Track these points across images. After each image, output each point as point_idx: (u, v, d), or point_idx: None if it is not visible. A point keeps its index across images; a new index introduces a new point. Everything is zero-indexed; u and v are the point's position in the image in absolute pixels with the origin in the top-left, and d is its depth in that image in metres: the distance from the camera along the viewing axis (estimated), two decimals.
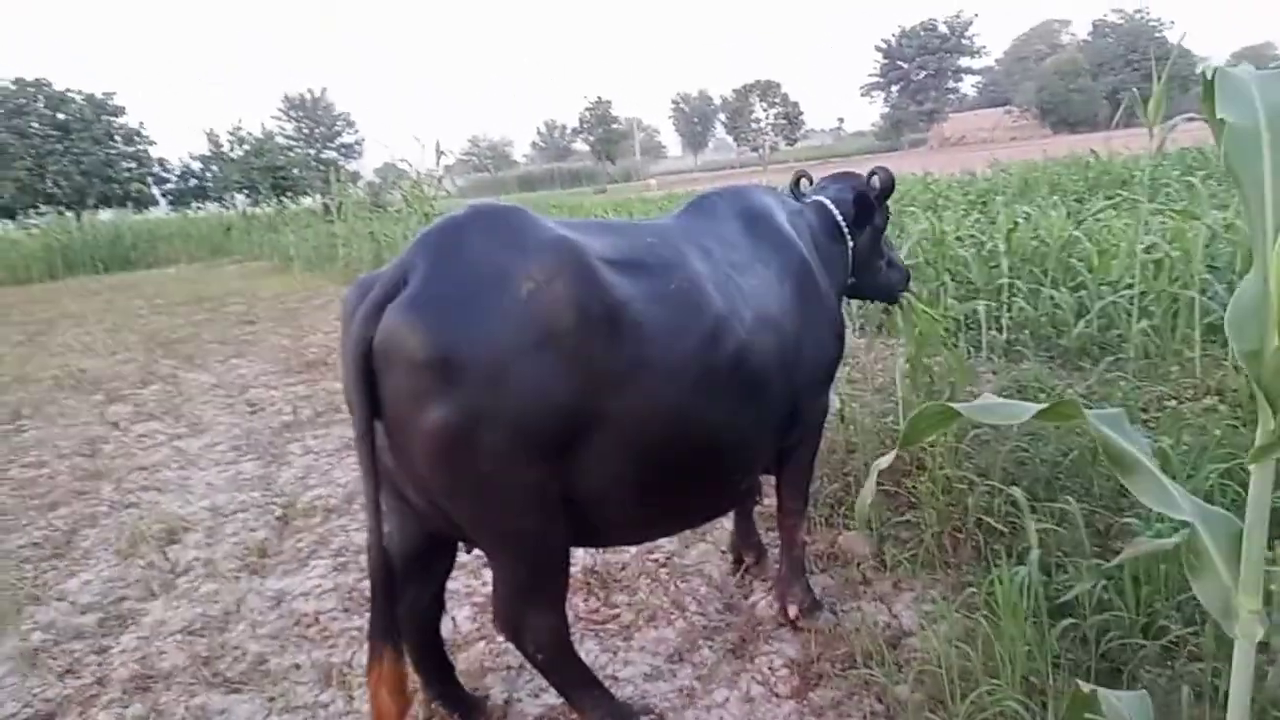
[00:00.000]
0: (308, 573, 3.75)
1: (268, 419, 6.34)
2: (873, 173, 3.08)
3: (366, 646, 2.06)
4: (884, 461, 1.31)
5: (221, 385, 7.59)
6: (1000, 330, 5.75)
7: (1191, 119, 4.69)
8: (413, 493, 2.11)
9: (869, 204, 3.01)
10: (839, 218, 3.00)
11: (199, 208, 36.11)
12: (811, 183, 3.32)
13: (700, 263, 2.36)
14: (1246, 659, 1.00)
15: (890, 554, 3.23)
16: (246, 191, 33.84)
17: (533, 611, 2.19)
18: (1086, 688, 1.44)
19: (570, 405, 1.97)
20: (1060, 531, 2.86)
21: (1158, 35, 76.42)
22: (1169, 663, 2.33)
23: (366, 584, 3.59)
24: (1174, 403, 4.00)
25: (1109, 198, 10.34)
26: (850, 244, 3.01)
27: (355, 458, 5.18)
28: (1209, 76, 1.11)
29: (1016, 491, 2.78)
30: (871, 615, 2.93)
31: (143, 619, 3.46)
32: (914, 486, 3.44)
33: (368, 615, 3.28)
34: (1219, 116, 1.00)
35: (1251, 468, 0.97)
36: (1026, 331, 5.69)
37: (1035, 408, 1.14)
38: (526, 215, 2.14)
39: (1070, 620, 2.34)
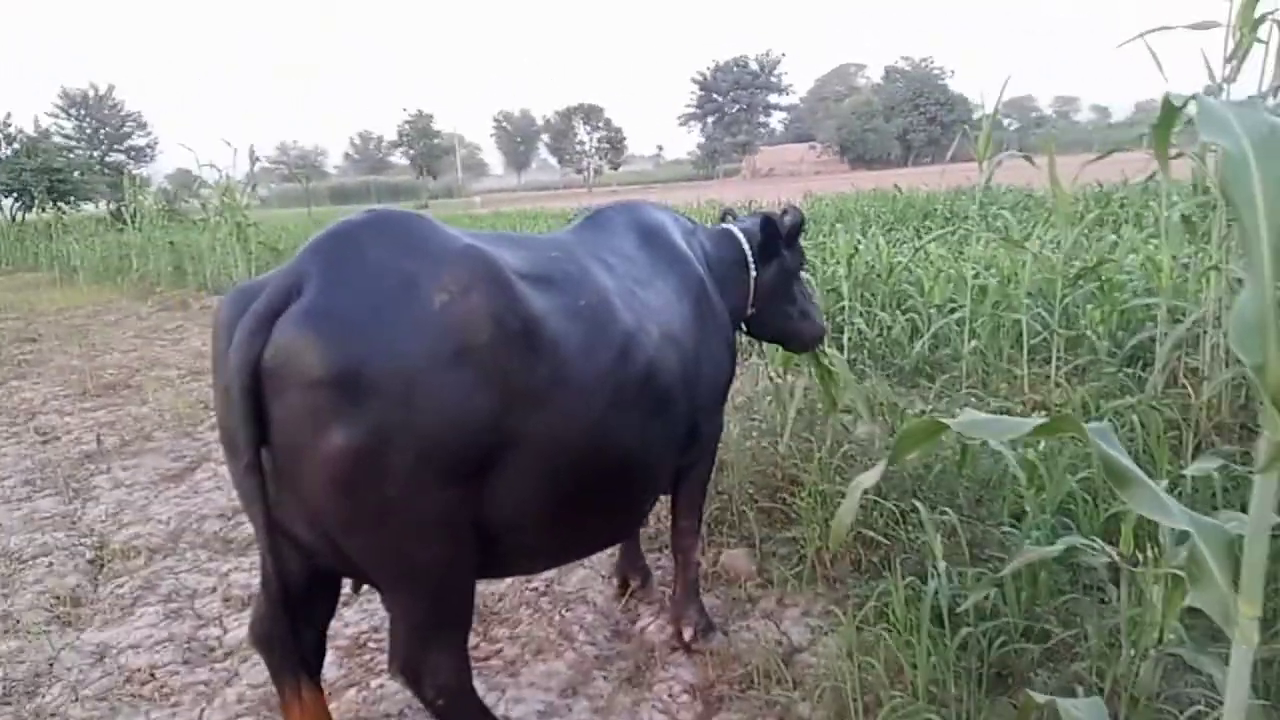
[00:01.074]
0: (134, 622, 3.29)
1: (64, 449, 5.59)
2: (784, 211, 3.13)
3: (275, 689, 1.81)
4: (867, 479, 1.28)
5: (1, 411, 6.64)
6: (841, 350, 6.03)
7: (1013, 156, 5.17)
8: (301, 526, 1.88)
9: (774, 236, 3.03)
10: (745, 245, 3.00)
11: None
12: (735, 218, 3.31)
13: (605, 277, 2.31)
14: (1244, 663, 1.05)
15: (773, 570, 3.26)
16: (16, 195, 30.28)
17: (435, 652, 2.01)
18: (1040, 698, 1.47)
19: (486, 424, 1.85)
20: (941, 541, 2.97)
21: (941, 82, 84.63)
22: (1053, 664, 2.47)
23: (206, 631, 3.26)
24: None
25: (917, 229, 11.26)
26: (753, 273, 3.01)
27: (176, 490, 4.70)
28: (1179, 105, 1.17)
29: (919, 505, 2.88)
30: (762, 633, 2.93)
31: None
32: (792, 502, 3.50)
33: (217, 667, 2.97)
34: (1210, 142, 1.05)
35: (1255, 478, 1.01)
36: (865, 352, 6.00)
37: (1033, 423, 1.15)
38: (429, 222, 2.00)
39: (968, 629, 2.43)
